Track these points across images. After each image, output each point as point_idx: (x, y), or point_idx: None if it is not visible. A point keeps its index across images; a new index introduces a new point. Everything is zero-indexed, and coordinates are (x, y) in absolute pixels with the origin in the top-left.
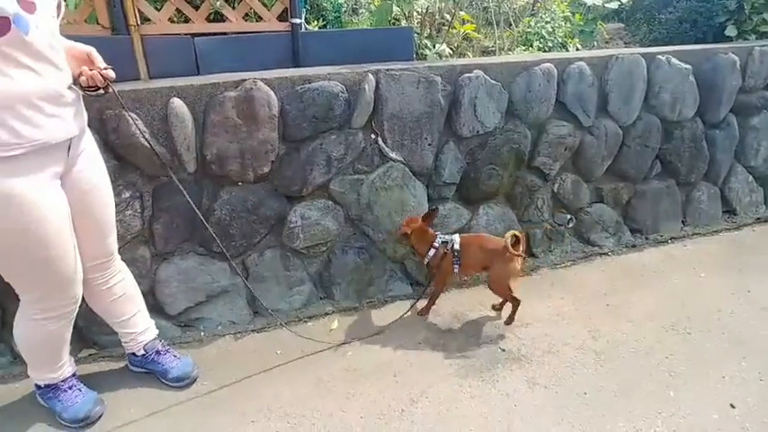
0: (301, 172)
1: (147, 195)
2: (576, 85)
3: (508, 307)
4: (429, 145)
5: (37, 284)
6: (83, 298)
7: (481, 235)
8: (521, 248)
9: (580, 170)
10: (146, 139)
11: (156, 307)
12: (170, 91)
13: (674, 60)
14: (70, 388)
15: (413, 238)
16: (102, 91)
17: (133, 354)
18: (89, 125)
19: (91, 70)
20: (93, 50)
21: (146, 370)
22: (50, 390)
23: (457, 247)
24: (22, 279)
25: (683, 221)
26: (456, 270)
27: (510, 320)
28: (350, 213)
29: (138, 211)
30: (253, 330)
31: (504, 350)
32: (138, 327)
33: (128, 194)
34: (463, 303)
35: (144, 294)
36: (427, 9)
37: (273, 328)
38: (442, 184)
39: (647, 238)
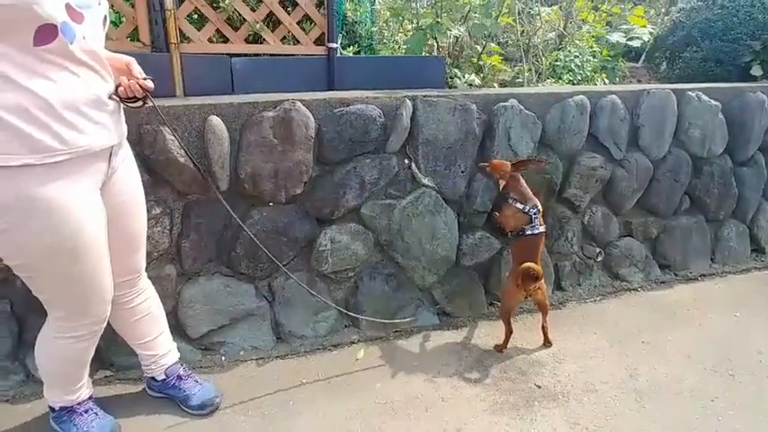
0: (334, 195)
1: (176, 212)
2: (608, 117)
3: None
4: (462, 172)
5: (68, 299)
6: None
7: (535, 253)
8: (533, 285)
9: (610, 203)
10: (187, 156)
11: (177, 328)
12: (209, 108)
13: (704, 97)
14: (86, 411)
15: (508, 186)
16: (140, 102)
17: (153, 378)
18: (127, 138)
19: (129, 80)
20: (132, 61)
21: (165, 395)
22: (65, 413)
23: (527, 232)
24: (55, 292)
25: (711, 259)
26: (510, 236)
27: (501, 348)
28: (380, 239)
29: (168, 228)
30: (276, 357)
31: (539, 387)
32: (161, 349)
33: (158, 210)
34: (496, 336)
35: (166, 315)
36: (457, 39)
37: (297, 355)
38: (473, 213)
39: (676, 275)
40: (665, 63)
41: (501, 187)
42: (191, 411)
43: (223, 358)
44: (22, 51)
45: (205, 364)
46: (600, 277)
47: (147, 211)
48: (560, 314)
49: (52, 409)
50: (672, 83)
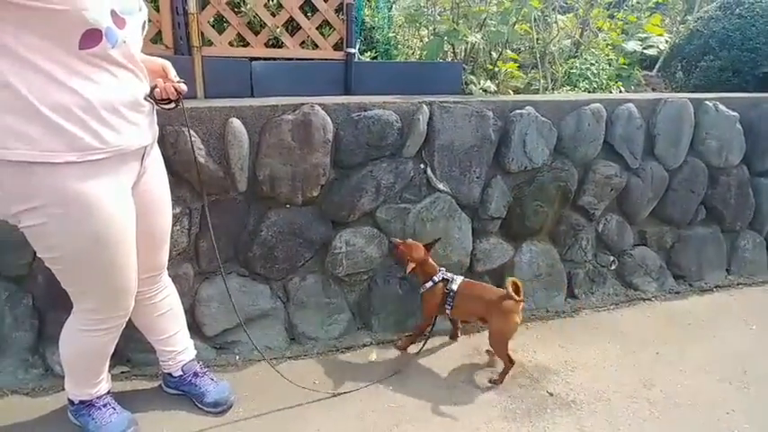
0: (350, 198)
1: (195, 212)
2: (624, 126)
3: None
4: (477, 178)
5: (96, 293)
6: None
7: (483, 284)
8: (521, 296)
9: (625, 211)
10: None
11: (193, 326)
12: (229, 111)
13: (721, 107)
14: (104, 406)
15: (417, 268)
16: (173, 104)
17: (170, 374)
18: None
19: (165, 83)
20: (167, 64)
21: (181, 392)
22: (84, 407)
23: (454, 287)
24: (84, 285)
25: (727, 270)
26: (448, 311)
27: (500, 380)
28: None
29: (186, 227)
30: (289, 357)
31: (551, 394)
32: (179, 345)
33: (177, 210)
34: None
35: (184, 312)
36: (473, 46)
37: (310, 356)
38: (487, 218)
39: (690, 285)
40: (680, 72)
41: (409, 271)
42: (205, 409)
43: (237, 357)
44: (67, 53)
45: (219, 362)
46: (613, 286)
47: None
48: (572, 322)
49: (71, 403)
50: (688, 92)
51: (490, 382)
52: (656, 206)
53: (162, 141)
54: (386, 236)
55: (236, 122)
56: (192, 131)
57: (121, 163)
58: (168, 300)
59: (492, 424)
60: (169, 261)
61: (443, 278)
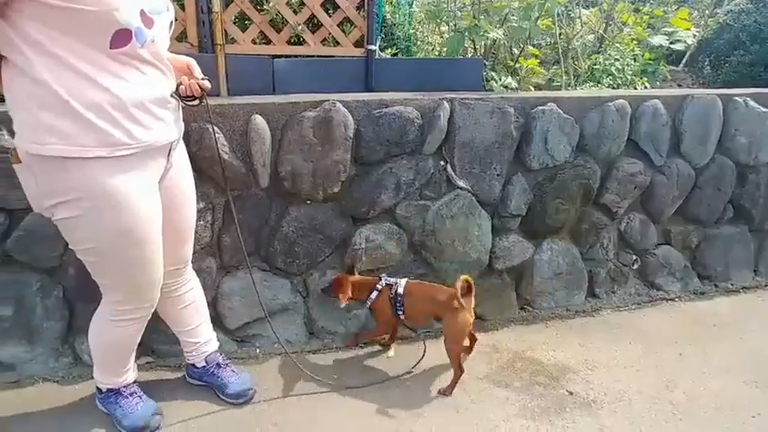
0: (370, 194)
1: (218, 208)
2: (649, 123)
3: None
4: (497, 175)
5: (125, 284)
6: None
7: (432, 284)
8: (471, 299)
9: (648, 210)
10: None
11: (215, 319)
12: (252, 108)
13: (751, 103)
14: (131, 395)
15: (356, 295)
16: (197, 101)
17: (193, 365)
18: None
19: (190, 80)
20: (192, 62)
21: (203, 383)
22: (112, 395)
23: (400, 290)
24: (113, 278)
25: (754, 270)
26: (401, 315)
27: (449, 391)
28: (413, 239)
29: (210, 222)
30: (309, 351)
31: (571, 393)
32: (203, 337)
33: (201, 205)
34: (524, 341)
35: (207, 305)
36: (494, 42)
37: (329, 350)
38: (507, 216)
39: (716, 286)
40: (708, 67)
41: (344, 302)
42: (227, 399)
43: (258, 350)
44: (99, 52)
45: (240, 355)
46: (635, 286)
47: None
48: (593, 321)
49: (99, 391)
50: (716, 87)
51: (439, 392)
52: (682, 205)
53: (187, 138)
54: (405, 233)
55: (258, 119)
56: (216, 128)
57: (149, 158)
58: (192, 293)
59: (510, 421)
60: (193, 255)
61: (387, 284)
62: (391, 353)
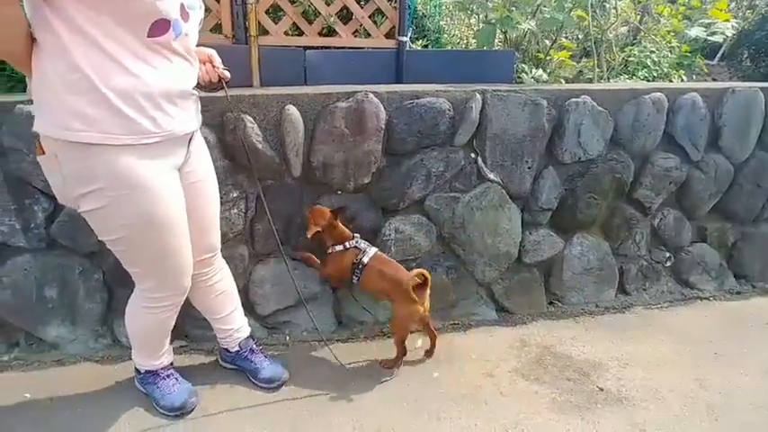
0: (400, 186)
1: (251, 196)
2: (686, 116)
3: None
4: (528, 168)
5: (155, 273)
6: None
7: (397, 265)
8: (425, 293)
9: (684, 206)
10: (267, 143)
11: (246, 306)
12: (286, 98)
13: None
14: (168, 376)
15: (325, 235)
16: (215, 90)
17: (227, 349)
18: (206, 124)
19: (212, 67)
20: (213, 52)
21: (236, 367)
22: (150, 376)
23: (365, 260)
24: (142, 267)
25: None
26: (355, 281)
27: (389, 365)
28: (442, 231)
29: (243, 210)
30: (337, 340)
31: (602, 389)
32: (236, 323)
33: (235, 194)
34: (553, 336)
35: (238, 292)
36: (525, 34)
37: (357, 339)
38: (538, 210)
39: (753, 286)
40: (748, 60)
41: (312, 234)
42: (259, 384)
43: (287, 338)
44: (135, 39)
45: (271, 341)
46: (668, 283)
47: (225, 194)
48: (623, 318)
49: (138, 372)
50: (756, 81)
51: (380, 364)
52: (719, 201)
53: (221, 128)
54: (434, 225)
55: (292, 109)
56: (248, 117)
57: (172, 146)
58: (223, 282)
59: (540, 414)
60: (225, 243)
61: (356, 246)
62: (419, 342)
